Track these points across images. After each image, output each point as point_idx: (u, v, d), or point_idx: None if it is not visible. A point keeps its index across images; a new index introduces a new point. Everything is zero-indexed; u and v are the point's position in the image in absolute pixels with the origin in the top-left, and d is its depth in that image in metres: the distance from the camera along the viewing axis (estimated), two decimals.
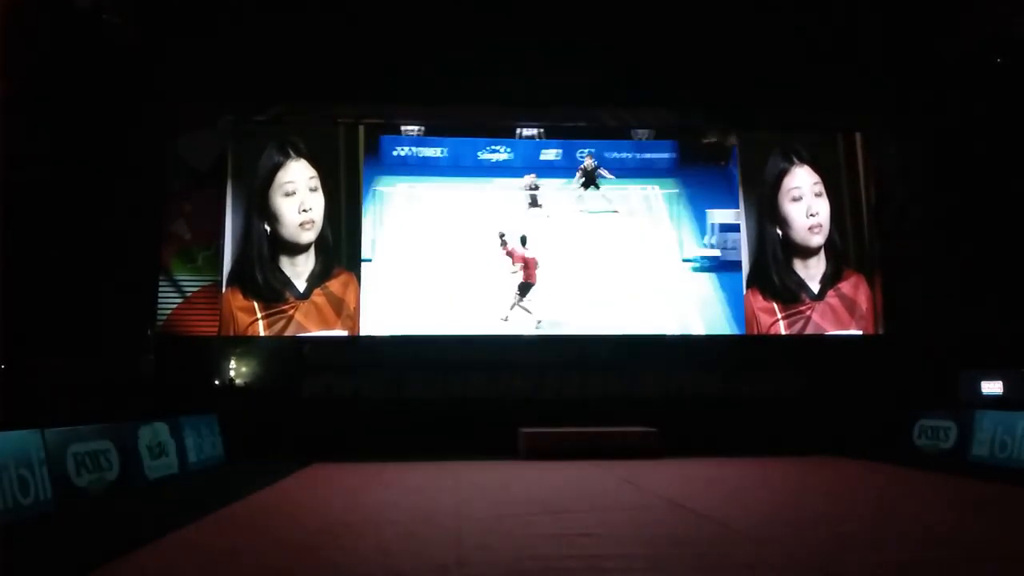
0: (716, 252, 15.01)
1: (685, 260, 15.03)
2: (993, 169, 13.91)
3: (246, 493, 9.04)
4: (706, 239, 15.09)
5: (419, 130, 15.34)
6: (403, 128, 15.18)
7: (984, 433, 11.33)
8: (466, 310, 14.36)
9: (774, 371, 14.32)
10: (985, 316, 13.60)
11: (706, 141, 15.54)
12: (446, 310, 14.32)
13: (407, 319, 14.21)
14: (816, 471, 11.19)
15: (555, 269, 14.63)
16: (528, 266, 14.47)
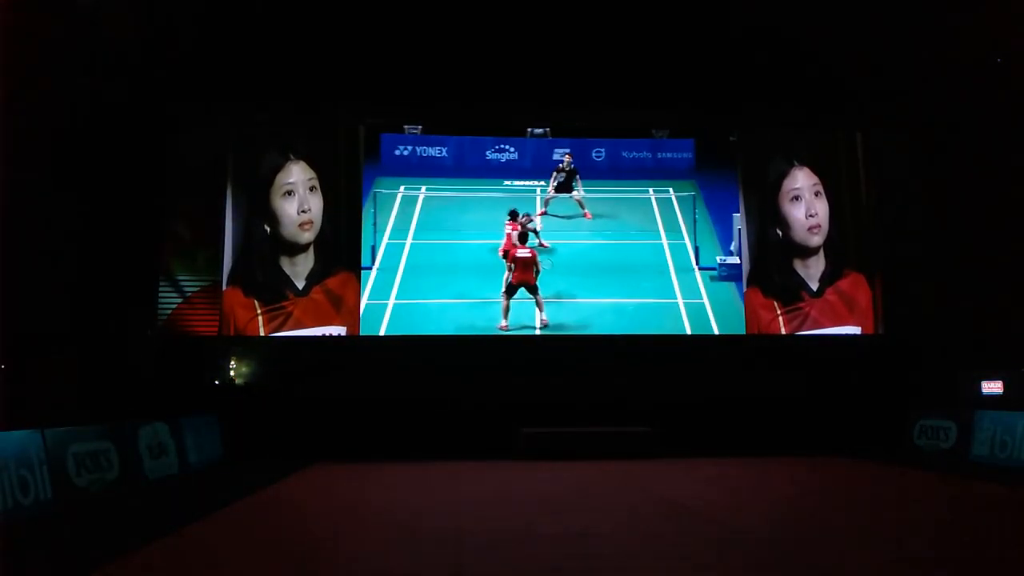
0: (738, 260, 14.68)
1: (703, 268, 14.65)
2: (993, 169, 13.90)
3: (246, 493, 9.04)
4: (733, 246, 14.77)
5: (419, 128, 14.94)
6: (405, 127, 14.93)
7: (984, 433, 11.33)
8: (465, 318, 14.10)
9: (774, 371, 14.30)
10: (985, 316, 13.60)
11: (733, 139, 15.13)
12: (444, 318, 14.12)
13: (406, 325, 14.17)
14: (816, 471, 11.19)
15: (560, 273, 14.37)
16: (518, 267, 13.80)
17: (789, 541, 6.25)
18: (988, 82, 13.50)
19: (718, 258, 14.78)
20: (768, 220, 14.82)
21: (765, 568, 5.40)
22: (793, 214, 14.78)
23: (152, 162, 13.95)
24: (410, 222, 14.80)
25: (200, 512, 7.64)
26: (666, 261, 14.74)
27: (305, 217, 14.02)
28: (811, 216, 14.71)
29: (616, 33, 13.79)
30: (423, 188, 15.07)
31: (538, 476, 10.59)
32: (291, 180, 14.10)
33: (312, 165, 14.23)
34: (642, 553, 5.88)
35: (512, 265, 13.91)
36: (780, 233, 14.76)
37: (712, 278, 14.64)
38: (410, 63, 13.97)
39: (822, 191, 14.85)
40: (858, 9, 13.22)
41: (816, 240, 14.73)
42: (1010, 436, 10.79)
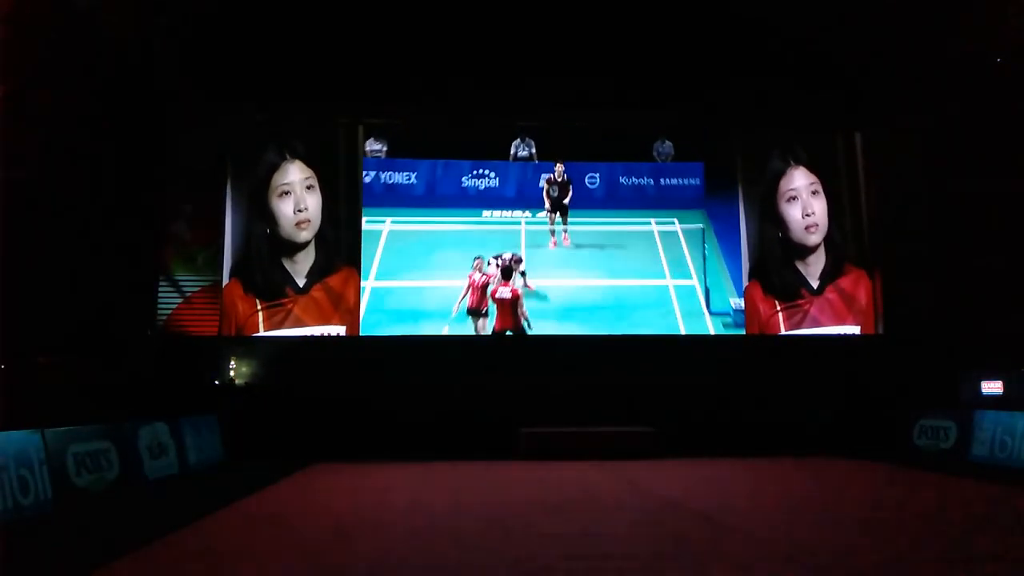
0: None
1: (714, 313, 13.34)
2: (993, 169, 13.91)
3: (246, 493, 9.03)
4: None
5: (383, 150, 13.44)
6: (367, 147, 13.88)
7: (984, 433, 11.33)
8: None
9: (775, 371, 14.30)
10: (985, 316, 13.60)
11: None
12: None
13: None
14: (816, 471, 11.18)
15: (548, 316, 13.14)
16: (499, 310, 12.62)
17: (789, 541, 6.25)
18: (988, 82, 13.50)
19: (732, 301, 13.53)
20: (767, 220, 14.84)
21: (765, 568, 5.39)
22: (790, 214, 14.79)
23: (152, 162, 13.97)
24: (372, 261, 13.46)
25: (200, 512, 7.63)
26: (671, 305, 13.28)
27: (302, 216, 14.01)
28: (808, 215, 14.73)
29: (612, 31, 13.77)
30: (388, 220, 13.49)
31: (538, 476, 10.58)
32: (287, 180, 14.10)
33: (310, 164, 14.22)
34: (643, 553, 5.88)
35: (479, 308, 12.70)
36: (779, 233, 14.78)
37: (725, 324, 13.52)
38: (407, 62, 13.96)
39: (820, 190, 14.86)
40: (858, 9, 13.23)
41: (814, 239, 14.75)
42: (1010, 436, 10.79)
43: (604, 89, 14.36)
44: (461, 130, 14.03)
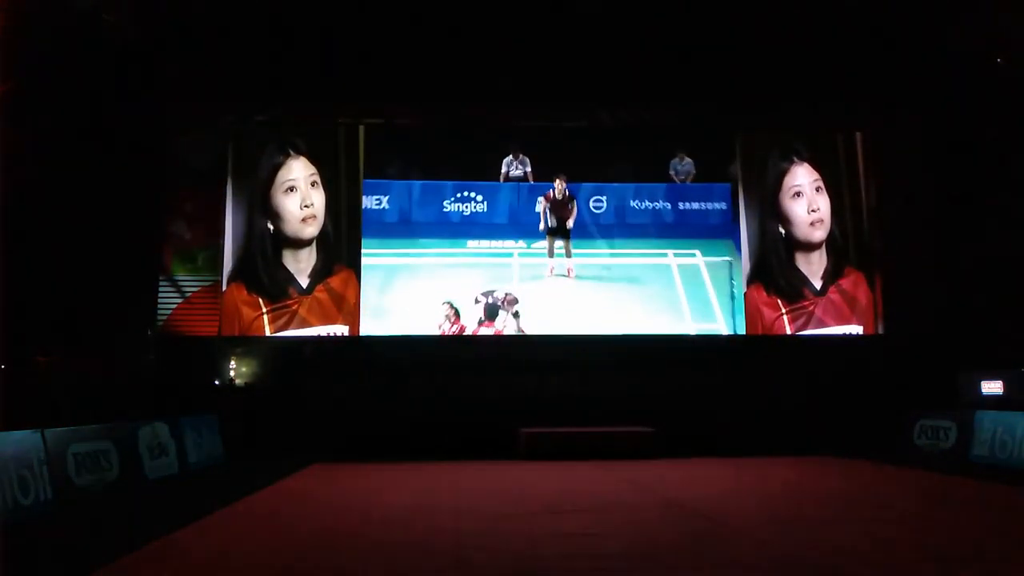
0: None
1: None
2: (993, 169, 13.92)
3: (246, 493, 9.04)
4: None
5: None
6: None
7: (984, 433, 11.33)
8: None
9: (775, 371, 14.30)
10: (985, 316, 13.60)
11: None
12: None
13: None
14: (816, 471, 11.18)
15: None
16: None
17: (789, 542, 6.25)
18: (988, 82, 13.51)
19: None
20: (770, 218, 14.83)
21: (765, 569, 5.40)
22: (795, 210, 14.79)
23: (152, 162, 13.97)
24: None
25: (200, 512, 7.63)
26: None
27: (308, 212, 14.03)
28: (813, 211, 14.75)
29: (612, 29, 13.73)
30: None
31: (538, 476, 10.58)
32: (292, 176, 14.12)
33: (313, 160, 14.25)
34: (644, 554, 5.88)
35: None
36: (783, 231, 14.78)
37: None
38: (407, 63, 13.93)
39: (823, 186, 14.89)
40: (859, 9, 13.23)
41: (819, 235, 14.77)
42: (1010, 436, 10.79)
43: (600, 89, 14.33)
44: (443, 143, 12.87)
